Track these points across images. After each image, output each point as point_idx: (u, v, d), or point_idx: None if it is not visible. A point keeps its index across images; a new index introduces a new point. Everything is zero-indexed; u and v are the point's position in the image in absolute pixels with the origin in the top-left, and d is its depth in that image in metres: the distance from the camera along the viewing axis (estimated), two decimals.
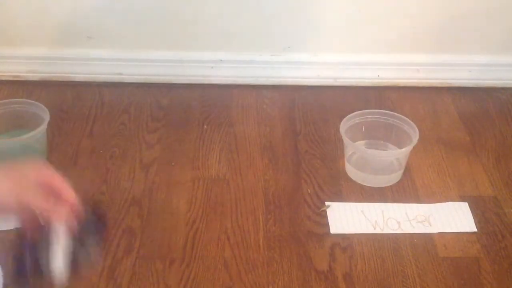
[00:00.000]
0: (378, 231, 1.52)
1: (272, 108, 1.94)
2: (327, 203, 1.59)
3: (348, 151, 1.69)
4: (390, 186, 1.65)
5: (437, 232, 1.52)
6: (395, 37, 1.98)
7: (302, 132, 1.84)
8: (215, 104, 1.94)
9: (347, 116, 1.70)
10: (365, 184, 1.64)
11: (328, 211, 1.56)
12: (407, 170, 1.70)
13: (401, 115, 1.71)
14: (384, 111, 1.73)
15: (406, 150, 1.63)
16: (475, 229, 1.53)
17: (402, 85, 2.03)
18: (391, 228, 1.53)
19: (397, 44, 1.99)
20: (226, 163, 1.72)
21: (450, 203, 1.60)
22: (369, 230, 1.52)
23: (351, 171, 1.67)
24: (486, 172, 1.71)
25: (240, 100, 1.96)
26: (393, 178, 1.66)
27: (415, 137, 1.64)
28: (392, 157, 1.69)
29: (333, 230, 1.52)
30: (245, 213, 1.56)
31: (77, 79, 2.00)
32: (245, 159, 1.73)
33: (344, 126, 1.67)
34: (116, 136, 1.80)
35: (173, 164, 1.70)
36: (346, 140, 1.64)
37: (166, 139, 1.80)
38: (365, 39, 1.98)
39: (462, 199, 1.62)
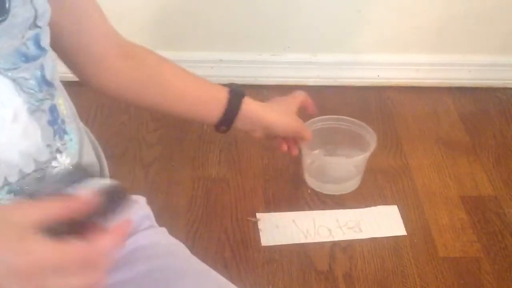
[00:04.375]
0: (309, 240, 1.49)
1: None
2: (257, 215, 1.55)
3: (306, 160, 1.63)
4: (390, 186, 1.65)
5: (367, 237, 1.51)
6: (395, 37, 1.98)
7: None
8: None
9: (305, 123, 1.63)
10: (324, 193, 1.61)
11: (260, 224, 1.53)
12: (407, 170, 1.70)
13: (360, 121, 1.63)
14: (342, 117, 1.66)
15: (364, 157, 1.58)
16: (404, 233, 1.52)
17: (402, 85, 2.03)
18: (322, 236, 1.51)
19: (397, 44, 1.99)
20: (226, 163, 1.72)
21: (380, 207, 1.59)
22: (300, 240, 1.49)
23: (310, 180, 1.63)
24: (486, 172, 1.71)
25: None
26: (352, 185, 1.62)
27: (373, 143, 1.57)
28: (351, 164, 1.63)
29: (264, 242, 1.48)
30: (245, 213, 1.56)
31: (77, 80, 1.99)
32: (245, 159, 1.73)
33: None
34: (116, 136, 1.80)
35: (173, 164, 1.70)
36: (304, 149, 1.56)
37: (166, 139, 1.80)
38: (365, 39, 1.98)
39: (462, 199, 1.62)
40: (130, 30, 2.03)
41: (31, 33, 0.73)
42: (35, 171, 0.76)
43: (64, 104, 0.83)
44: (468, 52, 2.00)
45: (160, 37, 1.96)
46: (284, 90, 2.04)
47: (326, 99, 1.97)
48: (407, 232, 1.52)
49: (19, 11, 0.70)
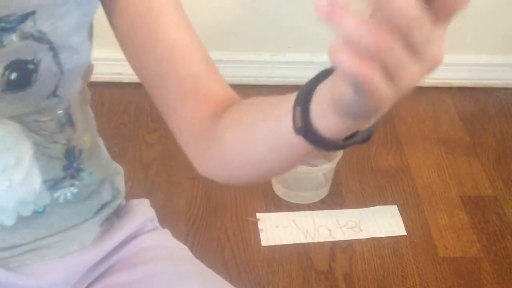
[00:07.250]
0: (309, 240, 1.50)
1: None
2: (257, 215, 1.56)
3: None
4: (390, 186, 1.65)
5: (367, 237, 1.51)
6: None
7: None
8: None
9: None
10: (292, 202, 1.59)
11: (260, 224, 1.53)
12: (407, 170, 1.70)
13: None
14: None
15: (331, 165, 1.57)
16: (404, 233, 1.52)
17: None
18: (322, 236, 1.51)
19: None
20: None
21: (380, 207, 1.59)
22: (301, 240, 1.49)
23: (278, 189, 1.62)
24: (486, 172, 1.71)
25: None
26: (321, 193, 1.62)
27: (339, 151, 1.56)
28: (319, 173, 1.62)
29: (264, 242, 1.49)
30: (245, 213, 1.56)
31: None
32: None
33: None
34: (116, 136, 1.80)
35: (173, 164, 1.70)
36: None
37: (166, 139, 1.79)
38: None
39: (462, 199, 1.62)
40: None
41: (47, 102, 0.67)
42: (35, 212, 0.74)
43: (89, 138, 0.78)
44: (468, 52, 2.01)
45: None
46: (284, 90, 2.04)
47: None
48: (407, 232, 1.52)
49: (42, 85, 0.64)
